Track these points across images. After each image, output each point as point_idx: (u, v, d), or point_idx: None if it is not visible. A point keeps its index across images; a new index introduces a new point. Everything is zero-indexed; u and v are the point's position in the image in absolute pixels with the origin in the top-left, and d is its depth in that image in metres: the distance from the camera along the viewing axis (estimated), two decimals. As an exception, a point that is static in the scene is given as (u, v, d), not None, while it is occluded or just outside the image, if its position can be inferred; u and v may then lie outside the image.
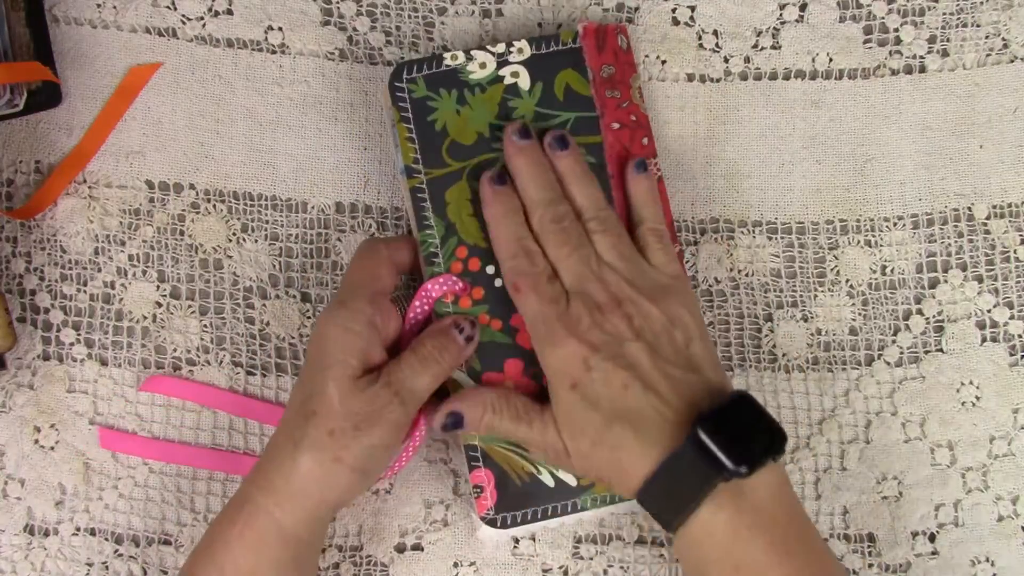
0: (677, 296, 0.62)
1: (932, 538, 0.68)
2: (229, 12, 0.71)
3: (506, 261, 0.63)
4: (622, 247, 0.63)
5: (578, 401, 0.59)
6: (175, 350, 0.69)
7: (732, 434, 0.56)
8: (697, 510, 0.56)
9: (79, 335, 0.69)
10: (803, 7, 0.71)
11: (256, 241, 0.70)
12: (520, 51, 0.66)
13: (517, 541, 0.68)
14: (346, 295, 0.61)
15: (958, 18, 0.71)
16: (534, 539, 0.68)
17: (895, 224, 0.70)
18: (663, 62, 0.71)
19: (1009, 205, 0.70)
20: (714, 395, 0.58)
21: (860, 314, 0.69)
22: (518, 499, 0.64)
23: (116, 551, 0.68)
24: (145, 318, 0.69)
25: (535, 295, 0.61)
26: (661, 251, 0.64)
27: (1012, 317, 0.70)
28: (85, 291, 0.69)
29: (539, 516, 0.64)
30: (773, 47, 0.71)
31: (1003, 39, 0.71)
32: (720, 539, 0.56)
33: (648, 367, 0.59)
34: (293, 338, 0.69)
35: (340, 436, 0.58)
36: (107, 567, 0.68)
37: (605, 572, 0.68)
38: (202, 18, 0.71)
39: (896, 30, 0.71)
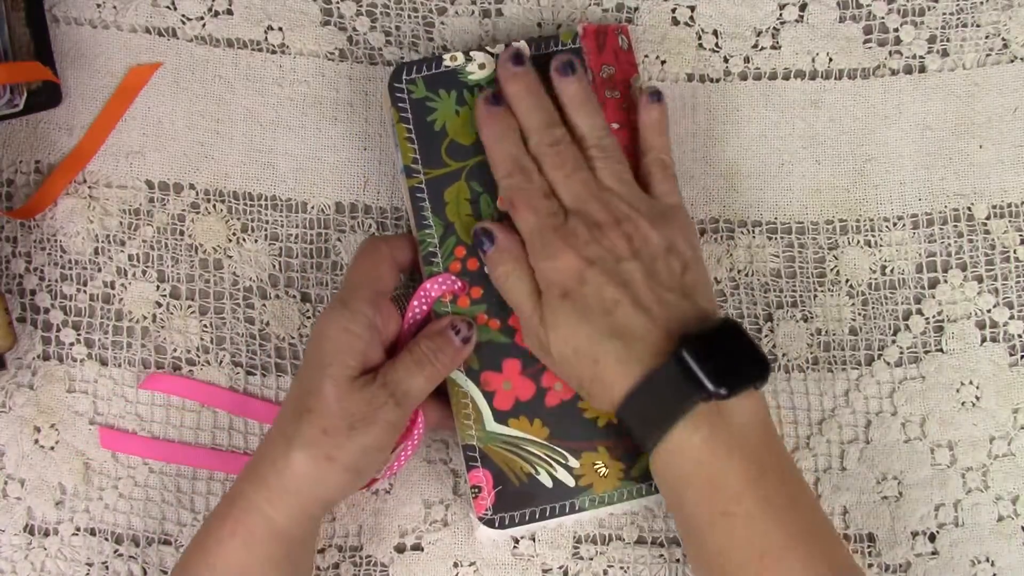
0: (677, 223, 0.62)
1: (932, 538, 0.68)
2: (229, 12, 0.71)
3: (502, 179, 0.63)
4: (623, 173, 0.63)
5: (568, 309, 0.60)
6: (175, 350, 0.69)
7: (716, 357, 0.56)
8: (673, 427, 0.57)
9: (79, 335, 0.69)
10: (803, 7, 0.71)
11: (256, 241, 0.70)
12: None
13: (517, 541, 0.68)
14: (347, 295, 0.61)
15: (958, 18, 0.71)
16: (534, 539, 0.68)
17: (895, 224, 0.70)
18: (663, 62, 0.71)
19: (1009, 205, 0.70)
20: (703, 320, 0.59)
21: (860, 314, 0.69)
22: (516, 499, 0.64)
23: (116, 551, 0.68)
24: (145, 318, 0.69)
25: (531, 210, 0.62)
26: (664, 181, 0.64)
27: (1012, 317, 0.70)
28: (85, 291, 0.69)
29: (537, 516, 0.64)
30: (773, 47, 0.71)
31: (1003, 39, 0.71)
32: (695, 457, 0.57)
33: (641, 287, 0.59)
34: (293, 338, 0.69)
35: (334, 435, 0.58)
36: (107, 567, 0.68)
37: (605, 572, 0.68)
38: (202, 18, 0.71)
39: (896, 30, 0.71)
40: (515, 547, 0.68)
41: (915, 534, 0.68)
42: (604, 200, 0.62)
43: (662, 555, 0.68)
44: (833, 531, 0.59)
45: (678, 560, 0.68)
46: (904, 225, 0.70)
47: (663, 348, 0.58)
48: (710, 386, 0.56)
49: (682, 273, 0.61)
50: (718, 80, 0.71)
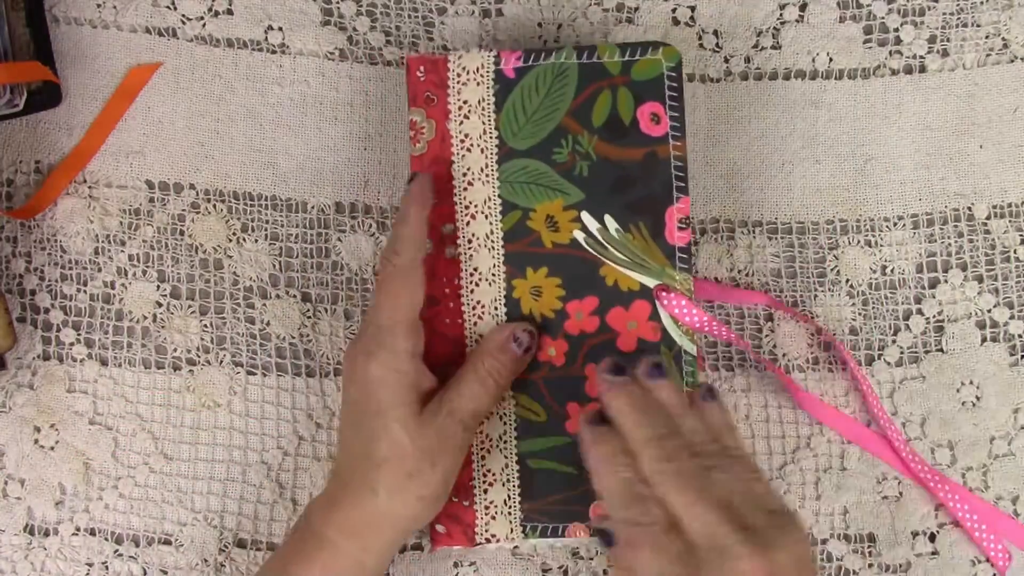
0: (802, 537, 0.52)
1: (932, 538, 0.68)
2: (229, 12, 0.71)
3: (616, 514, 0.54)
4: (752, 482, 0.54)
5: None
6: (175, 350, 0.69)
7: None
8: None
9: (79, 335, 0.69)
10: (803, 7, 0.71)
11: (256, 241, 0.70)
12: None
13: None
14: (383, 335, 0.60)
15: (958, 18, 0.71)
16: (534, 539, 0.68)
17: (895, 224, 0.70)
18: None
19: (1009, 205, 0.70)
20: None
21: (860, 314, 0.69)
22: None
23: (116, 551, 0.68)
24: (145, 318, 0.69)
25: (652, 554, 0.52)
26: (760, 480, 0.54)
27: (1012, 317, 0.70)
28: (85, 291, 0.69)
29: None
30: (773, 47, 0.71)
31: (1003, 39, 0.71)
32: None
33: None
34: (294, 338, 0.69)
35: (418, 476, 0.59)
36: (107, 567, 0.68)
37: (605, 572, 0.68)
38: (202, 18, 0.71)
39: (896, 30, 0.71)
40: (515, 547, 0.68)
41: (915, 534, 0.68)
42: (734, 521, 0.51)
43: (662, 555, 0.68)
44: None
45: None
46: (904, 225, 0.70)
47: None
48: None
49: None
50: (718, 80, 0.71)
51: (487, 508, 0.64)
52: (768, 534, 0.51)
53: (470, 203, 0.65)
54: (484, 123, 0.64)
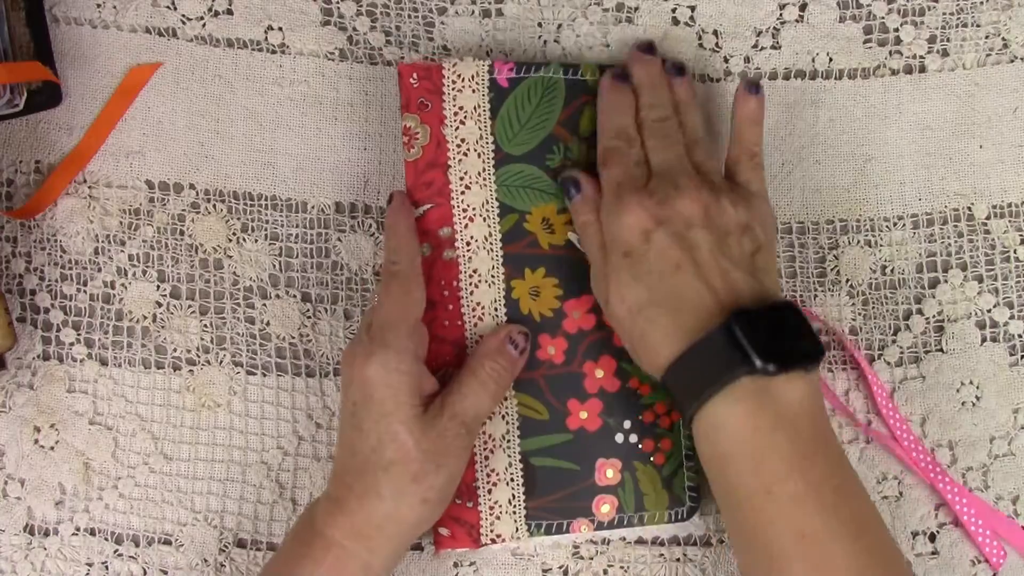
0: (757, 208, 0.62)
1: (932, 538, 0.68)
2: (229, 12, 0.71)
3: (605, 141, 0.64)
4: (715, 161, 0.64)
5: (627, 269, 0.59)
6: (175, 350, 0.69)
7: (767, 333, 0.55)
8: (714, 397, 0.56)
9: (79, 335, 0.69)
10: (803, 7, 0.71)
11: (256, 241, 0.70)
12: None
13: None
14: (386, 334, 0.60)
15: (958, 18, 0.71)
16: (534, 539, 0.68)
17: (895, 224, 0.70)
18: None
19: (1009, 205, 0.70)
20: (762, 298, 0.58)
21: (860, 314, 0.69)
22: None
23: (116, 551, 0.68)
24: (145, 318, 0.69)
25: (619, 167, 0.62)
26: (751, 170, 0.64)
27: (1012, 317, 0.70)
28: (85, 291, 0.69)
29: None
30: (773, 47, 0.71)
31: (1003, 39, 0.71)
32: (737, 432, 0.56)
33: (707, 255, 0.58)
34: (293, 338, 0.69)
35: (423, 478, 0.59)
36: (107, 567, 0.68)
37: (605, 572, 0.68)
38: (202, 18, 0.71)
39: (896, 30, 0.71)
40: (515, 547, 0.68)
41: (915, 534, 0.68)
42: (689, 172, 0.61)
43: (662, 555, 0.68)
44: (883, 527, 0.57)
45: (678, 560, 0.68)
46: (904, 225, 0.70)
47: (715, 319, 0.57)
48: (757, 361, 0.54)
49: (752, 253, 0.60)
50: (718, 80, 0.71)
51: (491, 508, 0.65)
52: (722, 183, 0.62)
53: (468, 206, 0.65)
54: (480, 128, 0.65)
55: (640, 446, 0.65)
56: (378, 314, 0.61)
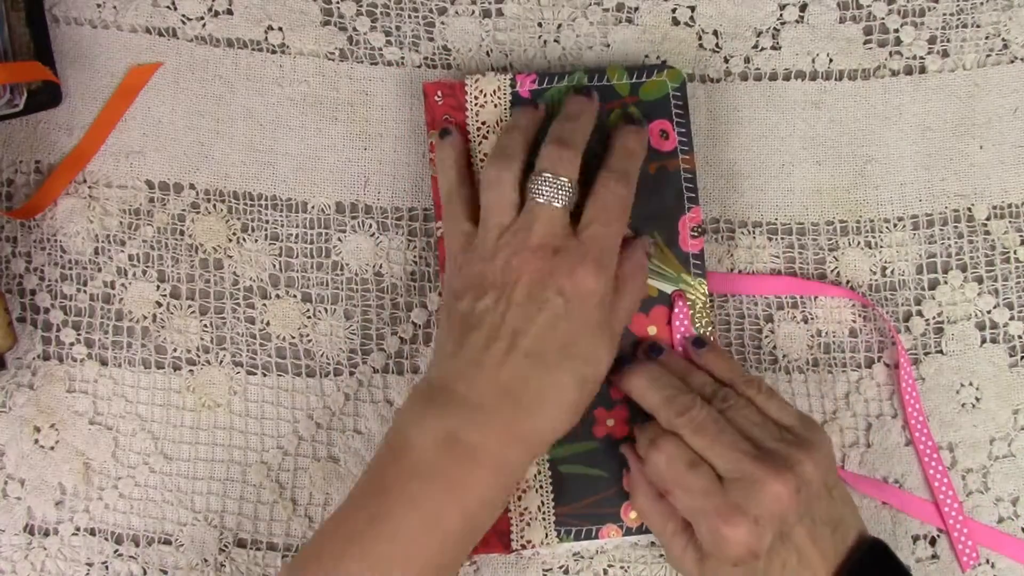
0: (818, 446, 0.60)
1: (933, 542, 0.68)
2: (229, 12, 0.71)
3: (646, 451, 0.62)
4: (760, 405, 0.62)
5: (743, 572, 0.59)
6: (175, 350, 0.69)
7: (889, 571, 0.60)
8: None
9: (79, 335, 0.69)
10: (803, 7, 0.71)
11: (256, 241, 0.70)
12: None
13: (517, 541, 0.68)
14: (604, 257, 0.60)
15: (958, 18, 0.71)
16: (534, 539, 0.68)
17: (895, 225, 0.70)
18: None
19: (1009, 206, 0.70)
20: (859, 537, 0.61)
21: (860, 315, 0.69)
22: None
23: (116, 551, 0.68)
24: (145, 318, 0.69)
25: (685, 493, 0.59)
26: (772, 401, 0.62)
27: (1012, 318, 0.70)
28: (85, 291, 0.69)
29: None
30: (773, 47, 0.71)
31: (1003, 39, 0.71)
32: None
33: (810, 548, 0.59)
34: (294, 338, 0.69)
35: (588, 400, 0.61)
36: (107, 567, 0.68)
37: (605, 572, 0.68)
38: (202, 18, 0.71)
39: (896, 31, 0.71)
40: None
41: (916, 538, 0.68)
42: (761, 458, 0.58)
43: (662, 555, 0.68)
44: None
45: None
46: (904, 226, 0.70)
47: None
48: None
49: (829, 492, 0.60)
50: (718, 80, 0.71)
51: (521, 515, 0.65)
52: (789, 453, 0.58)
53: None
54: None
55: None
56: (603, 231, 0.60)
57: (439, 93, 0.67)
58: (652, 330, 0.65)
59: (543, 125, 0.64)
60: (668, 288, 0.65)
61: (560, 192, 0.60)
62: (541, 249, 0.59)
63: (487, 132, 0.66)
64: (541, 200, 0.60)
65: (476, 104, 0.66)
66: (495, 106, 0.66)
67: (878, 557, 0.60)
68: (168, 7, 0.71)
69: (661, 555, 0.68)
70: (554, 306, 0.58)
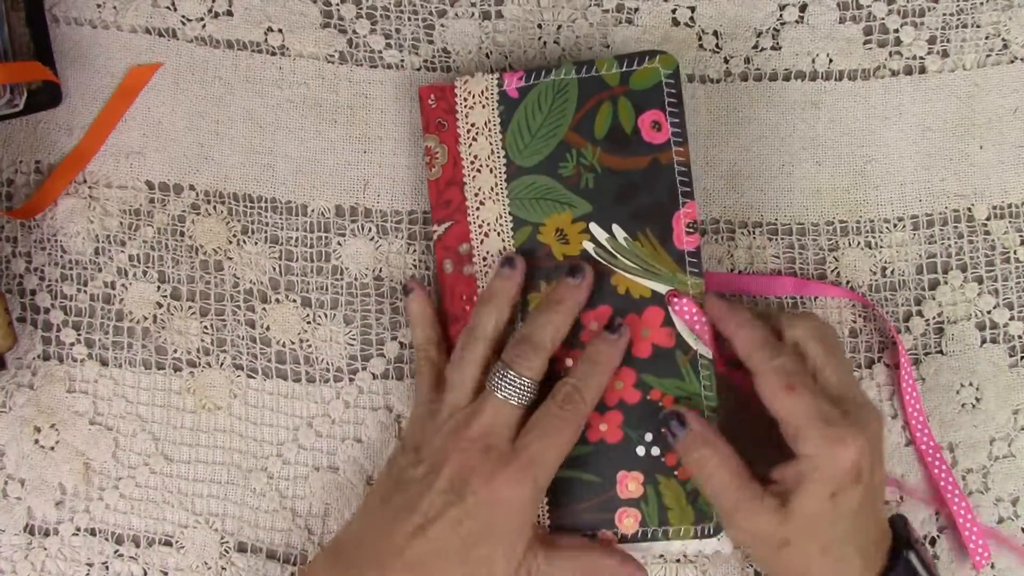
0: (872, 429, 0.60)
1: (933, 542, 0.68)
2: (229, 13, 0.70)
3: (766, 362, 0.60)
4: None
5: (831, 510, 0.58)
6: (175, 351, 0.69)
7: (927, 556, 0.61)
8: None
9: (79, 335, 0.69)
10: (803, 8, 0.71)
11: (256, 243, 0.70)
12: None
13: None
14: (539, 472, 0.60)
15: (958, 19, 0.71)
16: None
17: (895, 225, 0.70)
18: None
19: (1009, 206, 0.70)
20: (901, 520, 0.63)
21: (860, 316, 0.70)
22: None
23: (116, 551, 0.68)
24: (145, 319, 0.69)
25: (810, 393, 0.59)
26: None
27: (1012, 318, 0.70)
28: (85, 291, 0.69)
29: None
30: (773, 48, 0.71)
31: (1003, 39, 0.71)
32: None
33: (881, 489, 0.61)
34: (294, 343, 0.69)
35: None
36: (107, 567, 0.68)
37: (605, 573, 0.68)
38: (202, 19, 0.71)
39: (896, 31, 0.71)
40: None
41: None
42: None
43: (661, 555, 0.68)
44: None
45: (678, 560, 0.68)
46: (904, 226, 0.70)
47: (885, 552, 0.60)
48: None
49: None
50: (718, 81, 0.71)
51: None
52: (855, 419, 0.58)
53: (483, 222, 0.65)
54: (492, 144, 0.65)
55: (663, 459, 0.64)
56: (538, 444, 0.60)
57: (432, 96, 0.67)
58: (646, 333, 0.64)
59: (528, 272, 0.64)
60: (662, 288, 0.64)
61: (519, 392, 0.60)
62: (475, 443, 0.59)
63: (475, 135, 0.66)
64: (499, 396, 0.60)
65: (466, 106, 0.66)
66: (483, 107, 0.66)
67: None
68: (168, 8, 0.70)
69: (661, 555, 0.68)
70: (466, 505, 0.58)
